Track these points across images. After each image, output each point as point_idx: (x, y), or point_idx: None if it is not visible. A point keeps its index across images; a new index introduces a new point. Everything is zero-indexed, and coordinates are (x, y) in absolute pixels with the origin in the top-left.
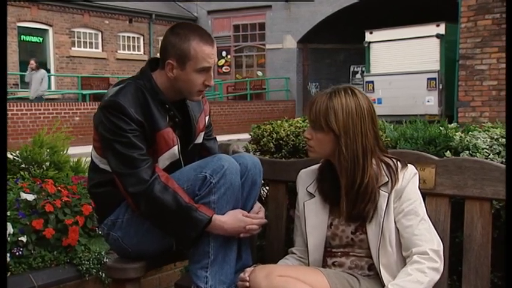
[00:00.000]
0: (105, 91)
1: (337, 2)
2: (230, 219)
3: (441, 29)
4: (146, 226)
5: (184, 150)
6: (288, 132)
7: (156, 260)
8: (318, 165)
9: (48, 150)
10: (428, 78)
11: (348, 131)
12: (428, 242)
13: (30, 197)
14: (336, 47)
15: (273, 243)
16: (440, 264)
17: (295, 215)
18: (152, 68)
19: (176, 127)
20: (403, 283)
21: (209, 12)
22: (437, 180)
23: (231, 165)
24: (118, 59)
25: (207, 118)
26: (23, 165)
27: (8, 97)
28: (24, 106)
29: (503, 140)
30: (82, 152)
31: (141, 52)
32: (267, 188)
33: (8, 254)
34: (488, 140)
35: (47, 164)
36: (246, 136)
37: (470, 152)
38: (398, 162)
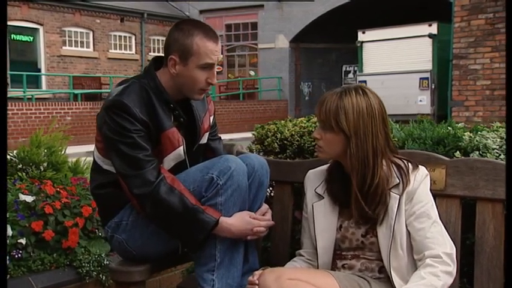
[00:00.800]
0: (97, 91)
1: (329, 2)
2: (237, 221)
3: (433, 28)
4: (151, 228)
5: (189, 150)
6: (293, 133)
7: (161, 263)
8: (326, 165)
9: (45, 151)
10: (420, 78)
11: (358, 131)
12: (441, 245)
13: (29, 199)
14: (328, 47)
15: (279, 245)
16: (453, 268)
17: (302, 217)
18: (156, 67)
19: (181, 127)
20: (416, 287)
21: (201, 12)
22: (447, 181)
23: (238, 166)
24: (109, 59)
25: (211, 118)
26: (19, 166)
27: None
28: (15, 106)
29: None
30: (75, 152)
31: (133, 51)
32: (270, 188)
33: (7, 257)
34: (498, 140)
35: (45, 164)
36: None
37: (480, 152)
38: (409, 164)
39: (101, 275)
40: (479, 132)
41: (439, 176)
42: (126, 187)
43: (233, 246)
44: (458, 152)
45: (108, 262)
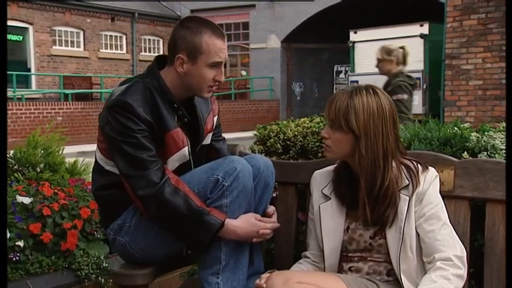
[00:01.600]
0: (88, 90)
1: (321, 2)
2: (243, 223)
3: (425, 29)
4: (155, 231)
5: (193, 151)
6: (296, 133)
7: (164, 266)
8: (333, 166)
9: (42, 152)
10: None
11: (368, 132)
12: (451, 247)
13: (26, 200)
14: (320, 47)
15: (282, 247)
16: (464, 271)
17: (308, 218)
18: (159, 66)
19: (184, 127)
20: None
21: (192, 11)
22: (456, 182)
23: (243, 167)
24: (100, 58)
25: (215, 118)
26: (16, 167)
27: None
28: None
29: None
30: (66, 152)
31: (124, 51)
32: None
33: None
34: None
35: (41, 165)
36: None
37: (488, 153)
38: (419, 165)
39: (100, 278)
40: (486, 133)
41: (447, 177)
42: (129, 188)
43: (238, 249)
44: (465, 152)
45: (107, 264)
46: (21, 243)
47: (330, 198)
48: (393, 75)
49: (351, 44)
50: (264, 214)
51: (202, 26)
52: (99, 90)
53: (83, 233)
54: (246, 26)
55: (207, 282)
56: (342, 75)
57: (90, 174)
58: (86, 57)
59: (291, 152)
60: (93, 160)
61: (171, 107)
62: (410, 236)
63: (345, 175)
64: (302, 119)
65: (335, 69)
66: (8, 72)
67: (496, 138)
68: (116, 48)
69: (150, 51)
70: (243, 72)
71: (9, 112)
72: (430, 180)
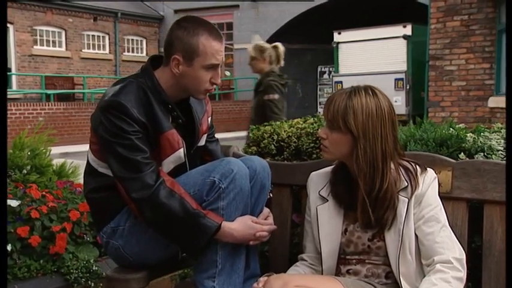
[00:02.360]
0: (70, 91)
1: (305, 3)
2: (240, 226)
3: (408, 30)
4: (149, 234)
5: (188, 153)
6: (290, 134)
7: (159, 269)
8: (330, 167)
9: (29, 153)
10: (395, 79)
11: (367, 133)
12: (451, 250)
13: (14, 203)
14: (304, 47)
15: (277, 249)
16: (464, 274)
17: (305, 220)
18: (154, 66)
19: (179, 129)
20: None
21: (176, 11)
22: (454, 183)
23: (240, 169)
24: (83, 58)
25: (209, 119)
26: None
27: None
28: None
29: None
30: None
31: (107, 51)
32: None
33: None
34: (502, 141)
35: (28, 167)
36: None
37: (485, 153)
38: (417, 166)
39: (89, 282)
40: (482, 134)
41: (445, 178)
42: (123, 191)
43: (235, 252)
44: (462, 153)
45: (97, 268)
46: (8, 247)
47: (328, 200)
48: (265, 74)
49: (334, 45)
50: (259, 216)
51: (199, 26)
52: (82, 91)
53: (72, 236)
54: (230, 26)
55: (202, 286)
56: (325, 76)
57: (79, 177)
58: (68, 57)
59: (285, 153)
60: (80, 161)
61: (166, 107)
62: (409, 238)
63: (343, 176)
64: (295, 120)
65: (319, 69)
66: None
67: (492, 139)
68: (99, 48)
69: (133, 52)
70: (227, 73)
71: None
72: (429, 181)
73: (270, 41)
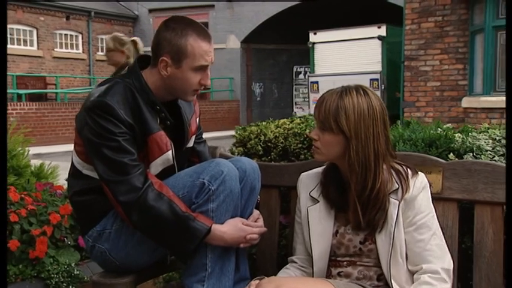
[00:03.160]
0: (42, 91)
1: (280, 3)
2: (230, 228)
3: (382, 31)
4: (137, 237)
5: (176, 155)
6: (277, 134)
7: (146, 273)
8: (321, 168)
9: None
10: (371, 79)
11: (359, 133)
12: (439, 258)
13: None
14: (279, 48)
15: (265, 251)
16: (450, 285)
17: (295, 221)
18: (141, 66)
19: (167, 130)
20: None
21: (150, 11)
22: (444, 184)
23: (230, 170)
24: (55, 58)
25: (197, 120)
26: None
27: None
28: None
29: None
30: None
31: (80, 51)
32: None
33: None
34: (490, 141)
35: None
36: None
37: (474, 154)
38: (409, 169)
39: (71, 286)
40: (470, 134)
41: (435, 178)
42: (110, 194)
43: (224, 255)
44: (451, 154)
45: (78, 272)
46: None
47: (319, 201)
48: (120, 67)
49: (310, 45)
50: (249, 218)
51: (187, 27)
52: (55, 91)
53: (52, 240)
54: (205, 26)
55: None
56: (301, 76)
57: (58, 178)
58: (40, 57)
59: (272, 153)
60: (55, 163)
61: (154, 108)
62: (400, 242)
63: (334, 177)
64: (282, 120)
65: (294, 70)
66: None
67: (480, 139)
68: (72, 48)
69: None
70: None
71: None
72: (420, 186)
73: (245, 41)
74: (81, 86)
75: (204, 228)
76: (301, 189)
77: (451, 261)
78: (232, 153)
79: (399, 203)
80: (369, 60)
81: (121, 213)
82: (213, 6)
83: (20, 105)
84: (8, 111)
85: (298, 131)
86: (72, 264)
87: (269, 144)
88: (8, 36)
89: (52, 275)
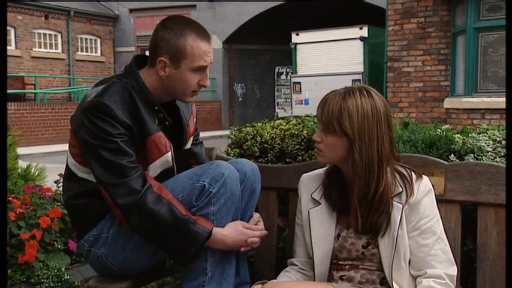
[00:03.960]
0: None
1: (262, 3)
2: (231, 232)
3: (364, 31)
4: (135, 241)
5: (175, 156)
6: (273, 135)
7: (144, 278)
8: (322, 169)
9: None
10: (353, 80)
11: (363, 135)
12: (443, 264)
13: None
14: (261, 48)
15: (263, 255)
16: None
17: (295, 223)
18: (138, 66)
19: (165, 131)
20: None
21: (131, 11)
22: (447, 185)
23: (231, 172)
24: (34, 57)
25: (195, 120)
26: None
27: None
28: None
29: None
30: None
31: (59, 50)
32: None
33: None
34: (491, 142)
35: None
36: None
37: (475, 155)
38: (413, 173)
39: None
40: (470, 135)
41: (437, 180)
42: (108, 197)
43: (225, 259)
44: (452, 155)
45: (68, 277)
46: None
47: (320, 203)
48: None
49: (293, 46)
50: (250, 221)
51: (186, 27)
52: (33, 91)
53: (41, 244)
54: None
55: None
56: (283, 77)
57: (45, 180)
58: (18, 56)
59: (269, 155)
60: (36, 164)
61: (152, 109)
62: (404, 246)
63: (336, 179)
64: (278, 121)
65: (276, 70)
66: None
67: (480, 140)
68: (51, 47)
69: (87, 51)
70: None
71: None
72: (424, 189)
73: (227, 41)
74: (60, 86)
75: (205, 232)
76: (302, 190)
77: (455, 267)
78: (228, 154)
79: (403, 206)
80: (351, 61)
81: (119, 217)
82: (194, 6)
83: None
84: None
85: (295, 132)
86: (63, 269)
87: (266, 145)
88: None
89: (42, 280)
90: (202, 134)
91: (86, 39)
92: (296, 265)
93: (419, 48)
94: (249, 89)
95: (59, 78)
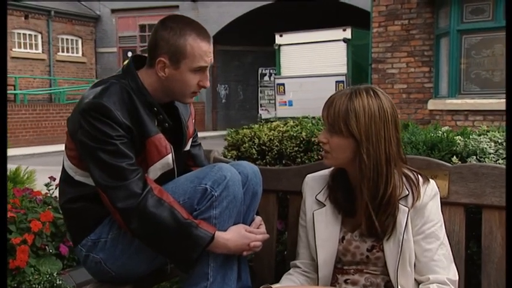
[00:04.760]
0: None
1: (246, 4)
2: (234, 236)
3: (347, 33)
4: (135, 245)
5: (176, 158)
6: (271, 137)
7: (144, 283)
8: (327, 170)
9: None
10: (336, 81)
11: (370, 136)
12: (446, 269)
13: None
14: (245, 49)
15: (263, 259)
16: None
17: (299, 225)
18: (136, 66)
19: (165, 132)
20: None
21: (113, 11)
22: (451, 188)
23: (233, 175)
24: (13, 58)
25: (193, 122)
26: None
27: None
28: None
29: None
30: None
31: (40, 51)
32: None
33: None
34: (493, 144)
35: None
36: None
37: (478, 157)
38: (419, 176)
39: None
40: (471, 136)
41: (441, 183)
42: (107, 200)
43: (227, 263)
44: (454, 157)
45: (60, 282)
46: None
47: (325, 205)
48: None
49: (276, 47)
50: (252, 225)
51: (186, 26)
52: (13, 92)
53: (32, 248)
54: None
55: None
56: (266, 78)
57: (35, 183)
58: None
59: (267, 157)
60: (26, 168)
61: (151, 110)
62: (409, 250)
63: (342, 181)
64: (275, 123)
65: (259, 71)
66: None
67: (482, 142)
68: (31, 48)
69: (68, 51)
70: None
71: None
72: (430, 194)
73: None
74: (41, 87)
75: (208, 236)
76: (306, 192)
77: (456, 273)
78: (225, 156)
79: (409, 210)
80: (335, 63)
81: (119, 221)
82: (177, 7)
83: None
84: None
85: (294, 134)
86: (54, 274)
87: (264, 147)
88: None
89: (34, 286)
90: None
91: (66, 39)
92: (299, 267)
93: (403, 50)
94: (232, 90)
95: (40, 79)
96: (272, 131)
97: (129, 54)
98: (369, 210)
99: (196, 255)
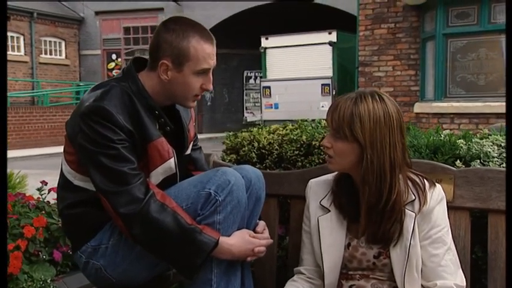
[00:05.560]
0: None
1: (232, 7)
2: (238, 241)
3: (333, 36)
4: (136, 252)
5: (178, 163)
6: (271, 141)
7: None
8: (331, 175)
9: None
10: (322, 84)
11: (375, 141)
12: (453, 274)
13: None
14: (230, 52)
15: (265, 264)
16: None
17: (302, 230)
18: (137, 68)
19: (167, 136)
20: None
21: (97, 13)
22: (456, 192)
23: (237, 180)
24: None
25: (194, 125)
26: None
27: None
28: None
29: None
30: None
31: (22, 53)
32: None
33: None
34: (496, 148)
35: None
36: None
37: (481, 161)
38: (426, 181)
39: None
40: (473, 140)
41: (446, 187)
42: (109, 206)
43: (230, 269)
44: (458, 161)
45: None
46: None
47: (330, 211)
48: None
49: (262, 50)
50: (254, 229)
51: (189, 28)
52: None
53: (25, 254)
54: (154, 29)
55: None
56: (251, 81)
57: (27, 187)
58: None
59: (267, 161)
60: (18, 172)
61: (152, 114)
62: (416, 256)
63: (347, 186)
64: (274, 126)
65: (245, 74)
66: None
67: (485, 145)
68: (13, 50)
69: (51, 54)
70: None
71: None
72: (437, 198)
73: None
74: (23, 89)
75: (212, 242)
76: (310, 197)
77: (464, 278)
78: (224, 160)
79: (416, 215)
80: (320, 66)
81: (121, 226)
82: (162, 9)
83: None
84: None
85: (294, 138)
86: (48, 280)
87: (263, 151)
88: None
89: None
90: None
91: (50, 41)
92: (304, 274)
93: (389, 54)
94: (217, 93)
95: (22, 82)
96: (271, 135)
97: (113, 56)
98: (373, 216)
99: (201, 261)
